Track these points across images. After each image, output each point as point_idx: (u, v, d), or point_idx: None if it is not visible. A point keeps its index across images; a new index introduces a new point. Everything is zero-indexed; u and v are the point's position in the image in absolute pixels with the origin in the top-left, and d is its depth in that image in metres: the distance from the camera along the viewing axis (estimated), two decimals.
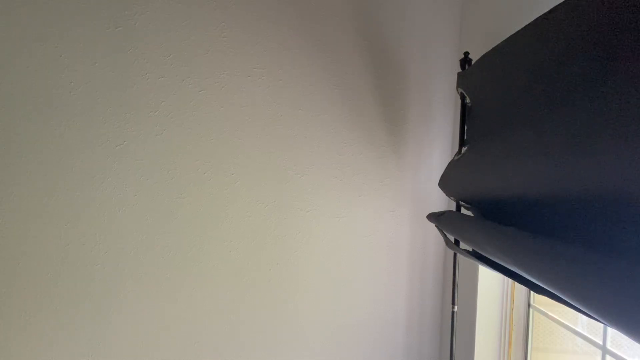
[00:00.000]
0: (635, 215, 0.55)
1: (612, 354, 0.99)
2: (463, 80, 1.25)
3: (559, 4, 0.72)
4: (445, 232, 1.22)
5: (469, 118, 1.25)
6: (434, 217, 1.30)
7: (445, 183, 1.31)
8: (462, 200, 1.21)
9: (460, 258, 1.43)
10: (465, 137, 1.27)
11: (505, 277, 1.36)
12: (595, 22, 0.62)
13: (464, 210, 1.31)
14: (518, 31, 0.89)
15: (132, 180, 1.38)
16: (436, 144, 1.60)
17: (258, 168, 1.46)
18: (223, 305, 1.46)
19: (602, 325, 1.03)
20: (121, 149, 1.37)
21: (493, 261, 0.96)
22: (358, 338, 1.58)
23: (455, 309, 1.39)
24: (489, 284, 1.38)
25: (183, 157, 1.41)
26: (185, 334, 1.44)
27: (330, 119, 1.51)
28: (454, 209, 1.35)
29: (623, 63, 0.56)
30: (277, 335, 1.51)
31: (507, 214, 0.95)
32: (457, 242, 1.26)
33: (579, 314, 1.11)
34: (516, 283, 1.32)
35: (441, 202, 1.62)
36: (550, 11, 0.75)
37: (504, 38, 0.98)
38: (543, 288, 0.76)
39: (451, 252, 1.50)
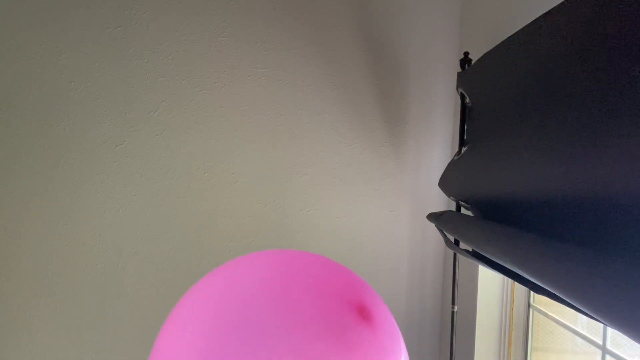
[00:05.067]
0: (636, 215, 0.55)
1: (612, 354, 0.99)
2: (463, 80, 1.25)
3: (559, 4, 0.72)
4: (445, 232, 1.22)
5: (469, 118, 1.25)
6: (434, 217, 1.30)
7: (445, 183, 1.31)
8: (462, 200, 1.22)
9: (460, 258, 1.43)
10: (465, 137, 1.27)
11: (505, 277, 1.36)
12: (595, 22, 0.62)
13: (464, 210, 1.31)
14: (518, 31, 0.89)
15: (132, 180, 1.38)
16: (436, 144, 1.60)
17: (258, 168, 1.47)
18: None
19: (602, 325, 1.03)
20: (121, 149, 1.37)
21: (493, 261, 0.96)
22: None
23: (455, 309, 1.39)
24: (489, 284, 1.38)
25: (183, 157, 1.41)
26: None
27: (330, 119, 1.51)
28: (454, 209, 1.35)
29: (623, 63, 0.56)
30: None
31: (507, 214, 0.95)
32: (457, 242, 1.26)
33: (579, 314, 1.11)
34: (516, 283, 1.32)
35: (441, 202, 1.62)
36: (550, 11, 0.75)
37: (504, 38, 0.98)
38: (543, 288, 0.76)
39: (451, 252, 1.50)
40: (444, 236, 1.27)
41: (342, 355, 0.51)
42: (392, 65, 1.55)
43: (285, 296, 0.56)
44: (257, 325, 0.51)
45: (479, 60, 1.14)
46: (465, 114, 1.26)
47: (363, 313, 0.58)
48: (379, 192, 1.57)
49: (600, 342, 1.02)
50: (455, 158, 1.28)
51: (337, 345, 0.52)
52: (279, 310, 0.54)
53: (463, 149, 1.26)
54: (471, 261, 1.32)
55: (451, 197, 1.29)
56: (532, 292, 1.35)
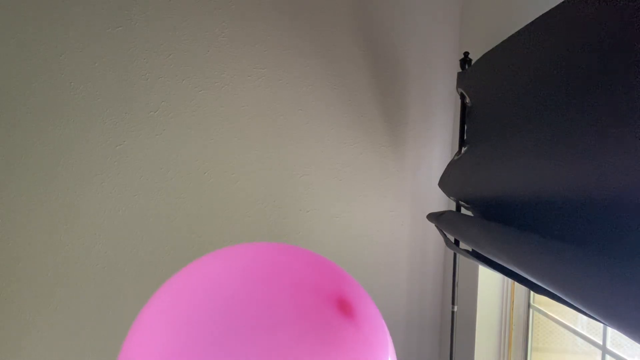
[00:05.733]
0: (635, 216, 0.55)
1: (612, 354, 0.99)
2: (463, 80, 1.25)
3: (558, 5, 0.72)
4: (445, 232, 1.22)
5: (468, 118, 1.25)
6: (434, 217, 1.30)
7: (445, 183, 1.31)
8: (462, 200, 1.21)
9: (460, 258, 1.43)
10: (465, 137, 1.27)
11: (505, 277, 1.36)
12: (594, 23, 0.62)
13: (464, 210, 1.31)
14: (518, 31, 0.89)
15: (132, 180, 1.38)
16: (436, 144, 1.60)
17: (258, 168, 1.47)
18: None
19: (602, 325, 1.03)
20: (121, 149, 1.37)
21: (493, 261, 0.96)
22: None
23: (455, 309, 1.39)
24: (489, 284, 1.38)
25: (183, 157, 1.41)
26: None
27: (330, 119, 1.51)
28: (454, 209, 1.35)
29: (624, 63, 0.56)
30: None
31: (507, 214, 0.95)
32: (457, 242, 1.26)
33: (579, 314, 1.11)
34: (516, 283, 1.32)
35: (441, 202, 1.62)
36: (549, 11, 0.75)
37: (504, 38, 0.98)
38: (543, 288, 0.76)
39: (451, 252, 1.50)
40: (444, 236, 1.27)
41: (324, 353, 0.49)
42: (392, 66, 1.55)
43: (256, 293, 0.52)
44: (231, 325, 0.48)
45: (479, 60, 1.14)
46: (465, 114, 1.26)
47: (343, 308, 0.55)
48: (379, 192, 1.57)
49: (600, 342, 1.02)
50: (455, 158, 1.28)
51: (317, 344, 0.49)
52: (250, 308, 0.50)
53: (463, 149, 1.26)
54: (471, 261, 1.32)
55: (451, 197, 1.29)
56: (532, 292, 1.35)
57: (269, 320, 0.49)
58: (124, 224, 1.38)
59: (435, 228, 1.61)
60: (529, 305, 1.36)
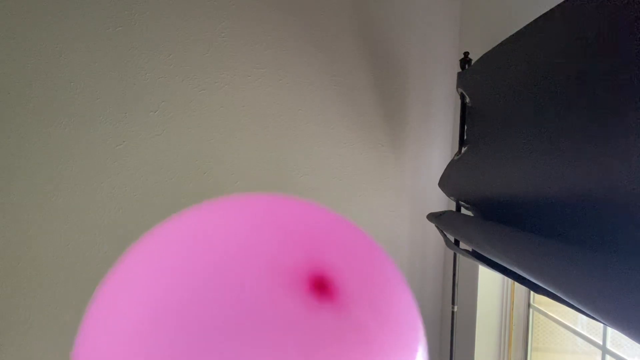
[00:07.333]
0: (636, 216, 0.55)
1: (612, 354, 0.99)
2: (463, 80, 1.25)
3: (558, 5, 0.72)
4: (445, 232, 1.22)
5: (469, 118, 1.25)
6: (434, 217, 1.30)
7: (445, 183, 1.31)
8: (462, 200, 1.21)
9: (460, 258, 1.43)
10: (465, 137, 1.27)
11: (505, 277, 1.36)
12: (594, 22, 0.62)
13: (464, 210, 1.31)
14: (518, 31, 0.89)
15: (132, 180, 1.38)
16: (436, 144, 1.60)
17: (258, 168, 1.46)
18: None
19: (602, 325, 1.03)
20: (121, 149, 1.37)
21: (493, 261, 0.96)
22: None
23: (455, 309, 1.39)
24: (489, 284, 1.38)
25: (183, 157, 1.41)
26: None
27: (330, 119, 1.51)
28: (454, 209, 1.35)
29: (623, 63, 0.56)
30: None
31: (507, 214, 0.95)
32: (457, 242, 1.26)
33: (579, 314, 1.11)
34: (516, 283, 1.32)
35: (441, 202, 1.61)
36: (549, 11, 0.75)
37: (504, 38, 0.98)
38: (543, 288, 0.76)
39: (451, 252, 1.50)
40: (444, 236, 1.27)
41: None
42: (392, 65, 1.54)
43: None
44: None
45: (479, 60, 1.14)
46: (465, 114, 1.26)
47: (321, 286, 0.29)
48: (379, 192, 1.57)
49: (600, 342, 1.02)
50: (455, 158, 1.28)
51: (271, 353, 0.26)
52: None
53: (463, 149, 1.26)
54: (471, 261, 1.32)
55: (451, 197, 1.29)
56: (532, 292, 1.35)
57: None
58: (124, 224, 1.38)
59: (435, 228, 1.61)
60: (529, 305, 1.36)
